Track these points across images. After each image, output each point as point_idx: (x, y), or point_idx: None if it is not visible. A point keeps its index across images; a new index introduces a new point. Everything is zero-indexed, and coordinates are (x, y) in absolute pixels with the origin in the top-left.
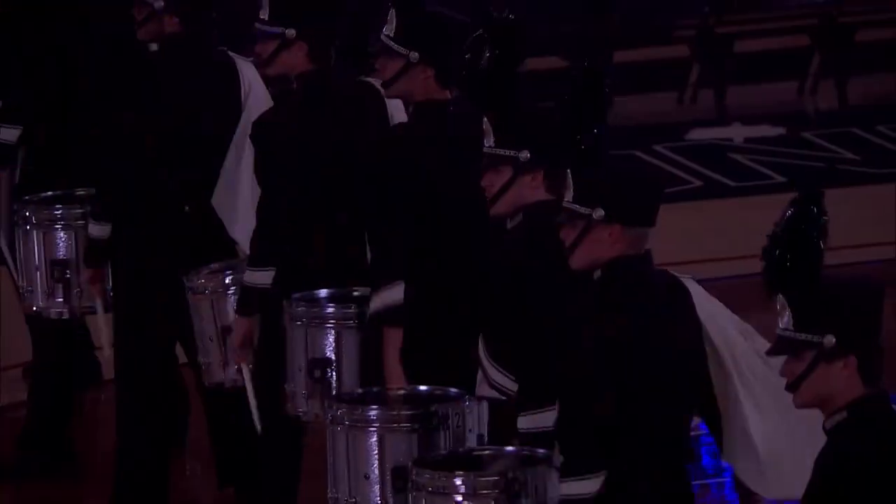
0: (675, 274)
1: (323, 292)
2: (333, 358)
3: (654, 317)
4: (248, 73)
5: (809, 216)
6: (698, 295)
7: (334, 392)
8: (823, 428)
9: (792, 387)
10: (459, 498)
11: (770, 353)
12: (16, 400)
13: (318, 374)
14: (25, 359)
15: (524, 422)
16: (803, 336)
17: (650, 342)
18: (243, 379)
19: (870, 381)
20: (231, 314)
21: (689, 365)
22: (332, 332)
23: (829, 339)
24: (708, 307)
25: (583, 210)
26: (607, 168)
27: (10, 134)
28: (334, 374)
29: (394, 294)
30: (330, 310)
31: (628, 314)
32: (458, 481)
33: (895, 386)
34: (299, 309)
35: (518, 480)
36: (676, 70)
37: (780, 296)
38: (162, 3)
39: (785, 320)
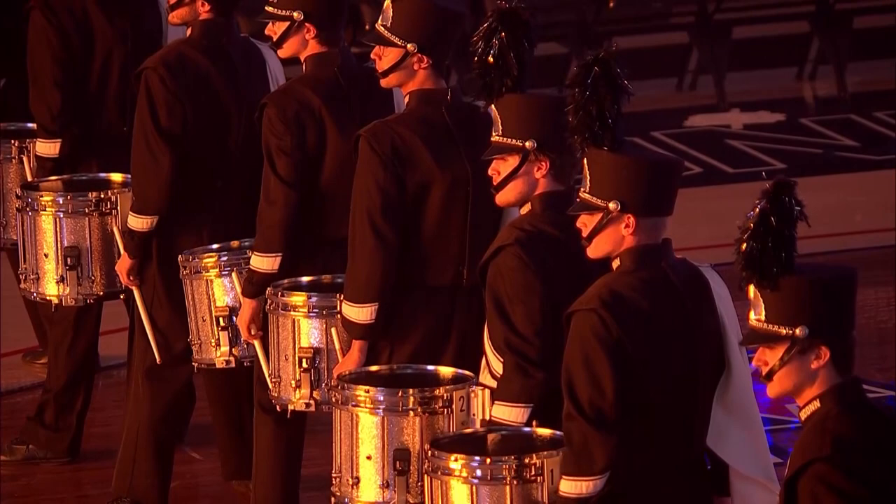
0: (695, 263)
1: (305, 280)
2: (323, 347)
3: (674, 306)
4: (271, 60)
5: (781, 207)
6: (716, 283)
7: (323, 383)
8: (799, 417)
9: (766, 377)
10: (476, 481)
11: (743, 343)
12: (15, 386)
13: (306, 363)
14: (25, 345)
15: (498, 411)
16: (776, 328)
17: (670, 331)
18: (231, 362)
19: (843, 370)
20: (226, 296)
21: (709, 353)
22: (320, 321)
23: (802, 331)
24: (724, 296)
25: (599, 202)
26: (623, 157)
27: (49, 148)
28: (324, 363)
29: (363, 314)
30: (315, 299)
31: (647, 303)
32: (475, 464)
33: None
34: (284, 298)
35: (534, 465)
36: (675, 56)
37: (753, 287)
38: None
39: (758, 311)
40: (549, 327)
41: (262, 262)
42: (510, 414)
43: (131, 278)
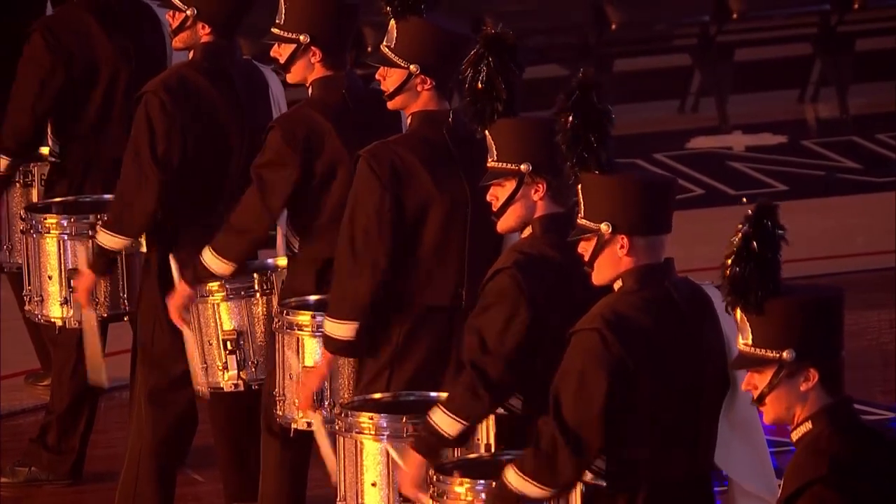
0: (697, 282)
1: (312, 299)
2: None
3: (677, 325)
4: (273, 83)
5: (764, 231)
6: (718, 301)
7: (326, 402)
8: (790, 439)
9: (758, 401)
10: None
11: (732, 367)
12: (17, 408)
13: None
14: (27, 367)
15: (437, 415)
16: (763, 351)
17: (674, 350)
18: (239, 385)
19: (834, 391)
20: (233, 320)
21: (713, 371)
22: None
23: (789, 354)
24: (725, 314)
25: (592, 225)
26: (610, 178)
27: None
28: (327, 383)
29: (343, 330)
30: (321, 318)
31: (651, 323)
32: (480, 488)
33: None
34: (290, 317)
35: None
36: (677, 79)
37: (740, 312)
38: (195, 11)
39: (745, 335)
40: (532, 354)
41: (215, 264)
42: (445, 423)
43: (88, 297)
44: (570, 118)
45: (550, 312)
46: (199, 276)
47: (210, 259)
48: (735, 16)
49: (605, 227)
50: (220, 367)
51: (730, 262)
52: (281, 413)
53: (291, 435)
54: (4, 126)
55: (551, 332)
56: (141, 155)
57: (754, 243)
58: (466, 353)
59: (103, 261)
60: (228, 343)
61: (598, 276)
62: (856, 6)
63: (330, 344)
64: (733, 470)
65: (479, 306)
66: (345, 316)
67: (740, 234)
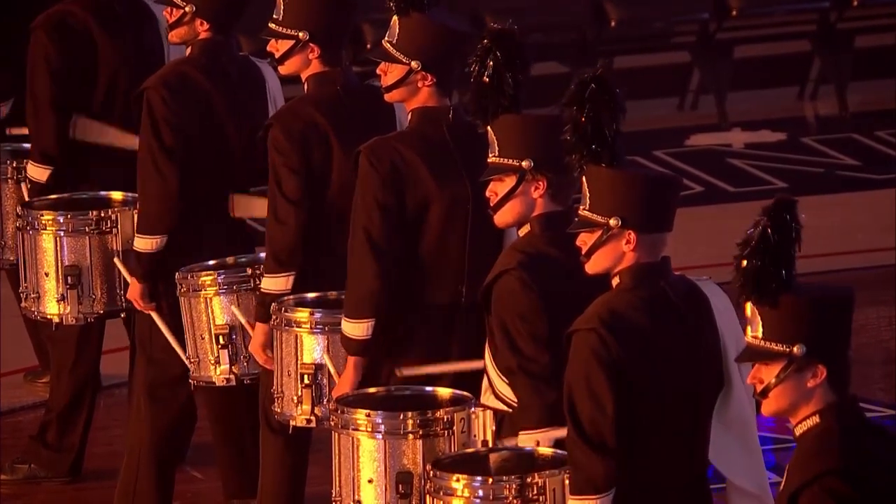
0: (694, 279)
1: (310, 296)
2: (325, 363)
3: (673, 324)
4: (270, 79)
5: (782, 225)
6: (716, 297)
7: (325, 398)
8: (793, 434)
9: (761, 394)
10: (478, 501)
11: (739, 360)
12: (17, 405)
13: (308, 379)
14: (26, 364)
15: (524, 440)
16: (773, 345)
17: (671, 350)
18: (231, 380)
19: (840, 389)
20: (225, 314)
21: (710, 371)
22: (323, 337)
23: (800, 349)
24: (723, 309)
25: (599, 219)
26: (622, 173)
27: (40, 173)
28: (325, 379)
29: (359, 329)
30: (319, 315)
31: (647, 322)
32: (477, 484)
33: None
34: (288, 314)
35: (535, 484)
36: (677, 76)
37: (751, 304)
38: (193, 7)
39: (755, 328)
40: (554, 348)
41: (276, 283)
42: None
43: (145, 303)
44: (585, 110)
45: (555, 309)
46: (268, 306)
47: (271, 283)
48: (734, 13)
49: (614, 222)
50: (212, 362)
51: (746, 253)
52: (279, 410)
53: (290, 432)
54: (36, 133)
55: (554, 329)
56: (155, 153)
57: (773, 236)
58: (506, 361)
59: (144, 266)
60: (220, 337)
61: (593, 267)
62: (855, 3)
63: (349, 346)
64: (729, 468)
65: (495, 315)
66: (359, 314)
67: (759, 227)
